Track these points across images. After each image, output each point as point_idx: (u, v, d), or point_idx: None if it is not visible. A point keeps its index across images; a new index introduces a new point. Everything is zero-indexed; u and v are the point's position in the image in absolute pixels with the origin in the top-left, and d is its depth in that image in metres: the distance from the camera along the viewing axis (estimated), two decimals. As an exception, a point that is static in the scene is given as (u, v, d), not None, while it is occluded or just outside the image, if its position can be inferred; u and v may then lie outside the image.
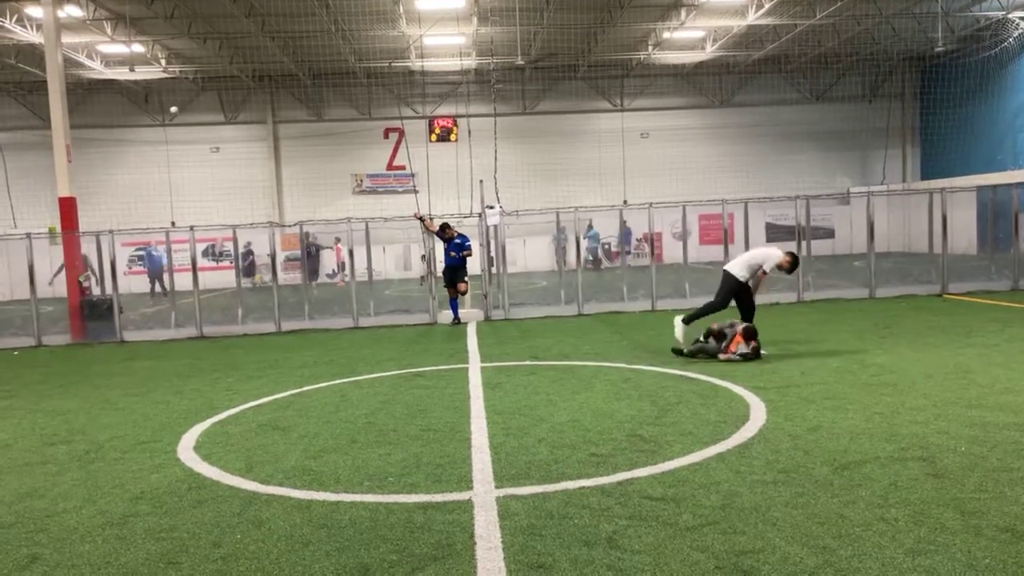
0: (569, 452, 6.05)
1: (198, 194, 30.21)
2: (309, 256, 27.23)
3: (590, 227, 29.71)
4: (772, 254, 10.33)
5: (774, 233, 29.51)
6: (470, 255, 15.28)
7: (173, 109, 30.13)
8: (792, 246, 17.60)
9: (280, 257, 21.66)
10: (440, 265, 16.95)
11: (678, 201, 19.87)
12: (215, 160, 30.87)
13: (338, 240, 27.44)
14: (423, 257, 17.90)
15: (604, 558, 4.16)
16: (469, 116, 26.95)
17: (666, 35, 25.72)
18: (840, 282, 18.16)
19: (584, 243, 29.22)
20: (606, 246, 29.94)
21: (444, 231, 15.12)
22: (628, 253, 29.52)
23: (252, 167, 31.03)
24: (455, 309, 15.32)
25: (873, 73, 32.21)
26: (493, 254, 16.43)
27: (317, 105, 31.19)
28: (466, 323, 15.10)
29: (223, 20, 22.74)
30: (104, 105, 29.93)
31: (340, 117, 31.19)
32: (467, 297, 16.14)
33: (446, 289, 15.29)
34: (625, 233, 29.79)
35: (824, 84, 32.44)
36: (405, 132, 28.05)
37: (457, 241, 15.08)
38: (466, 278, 15.35)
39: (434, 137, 30.04)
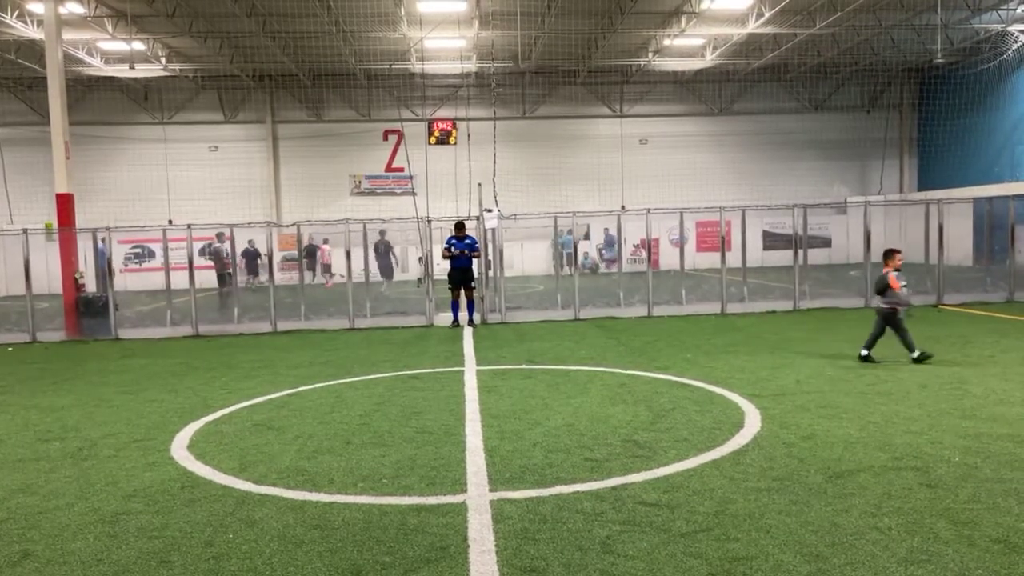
0: (564, 456, 6.05)
1: (196, 193, 30.17)
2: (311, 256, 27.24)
3: (587, 235, 29.84)
4: None
5: (771, 241, 29.61)
6: (478, 256, 15.39)
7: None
8: (788, 255, 17.71)
9: (276, 257, 21.61)
10: (437, 267, 16.96)
11: (676, 208, 19.90)
12: (213, 159, 30.83)
13: (326, 241, 27.41)
14: (420, 259, 17.89)
15: (597, 563, 4.16)
16: (469, 119, 26.94)
17: (666, 42, 25.76)
18: (836, 291, 18.20)
19: (583, 248, 29.33)
20: (602, 252, 30.02)
21: (458, 230, 15.17)
22: (613, 261, 29.63)
23: (251, 167, 30.99)
24: (455, 311, 15.31)
25: (872, 83, 32.31)
26: (491, 257, 16.45)
27: (317, 106, 31.18)
28: (463, 326, 15.10)
29: (224, 19, 22.73)
30: (103, 102, 29.86)
31: (339, 118, 31.17)
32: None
33: (450, 291, 15.27)
34: (609, 240, 29.93)
35: (823, 93, 32.53)
36: (404, 134, 28.05)
37: (467, 241, 15.13)
38: (473, 283, 15.37)
39: (433, 140, 30.02)
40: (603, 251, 30.25)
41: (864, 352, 9.73)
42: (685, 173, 31.71)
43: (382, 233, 25.12)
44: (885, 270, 9.79)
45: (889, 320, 9.61)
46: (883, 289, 9.71)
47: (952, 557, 4.09)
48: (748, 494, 5.09)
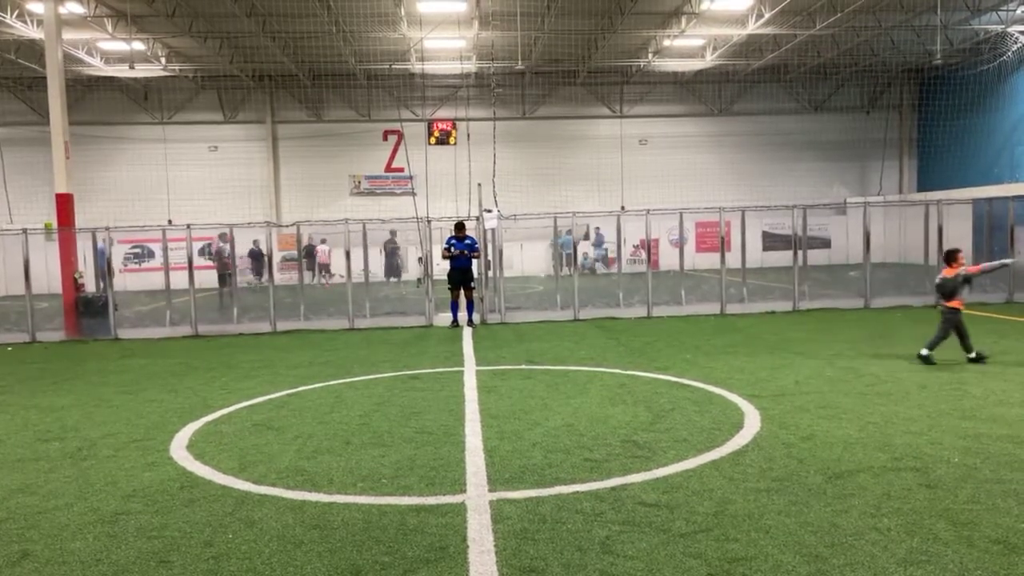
0: (563, 457, 6.05)
1: (196, 193, 30.16)
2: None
3: (586, 236, 29.83)
4: None
5: (771, 242, 29.61)
6: (478, 256, 15.40)
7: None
8: (788, 256, 17.72)
9: (276, 257, 21.63)
10: (436, 267, 16.97)
11: (675, 208, 19.90)
12: (213, 159, 30.82)
13: (323, 241, 27.42)
14: (420, 259, 17.90)
15: (597, 563, 4.16)
16: (468, 120, 26.95)
17: (666, 43, 25.76)
18: (835, 292, 18.20)
19: (582, 249, 29.31)
20: (604, 251, 30.01)
21: (458, 230, 15.17)
22: (600, 260, 29.58)
23: (250, 167, 30.97)
24: (455, 311, 15.32)
25: (872, 84, 32.30)
26: (490, 258, 16.45)
27: (316, 106, 31.18)
28: (462, 326, 15.10)
29: (224, 19, 22.73)
30: (103, 102, 29.86)
31: (339, 118, 31.16)
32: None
33: (450, 291, 15.27)
34: (599, 239, 29.88)
35: (823, 94, 32.53)
36: (404, 134, 28.04)
37: (467, 242, 15.14)
38: (473, 283, 15.38)
39: (433, 140, 30.03)
40: (595, 250, 30.18)
41: (973, 355, 9.54)
42: (685, 174, 31.71)
43: (392, 233, 25.19)
44: (950, 273, 9.63)
45: (951, 320, 9.57)
46: (952, 292, 9.59)
47: (951, 558, 4.09)
48: (747, 495, 5.09)
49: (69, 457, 6.60)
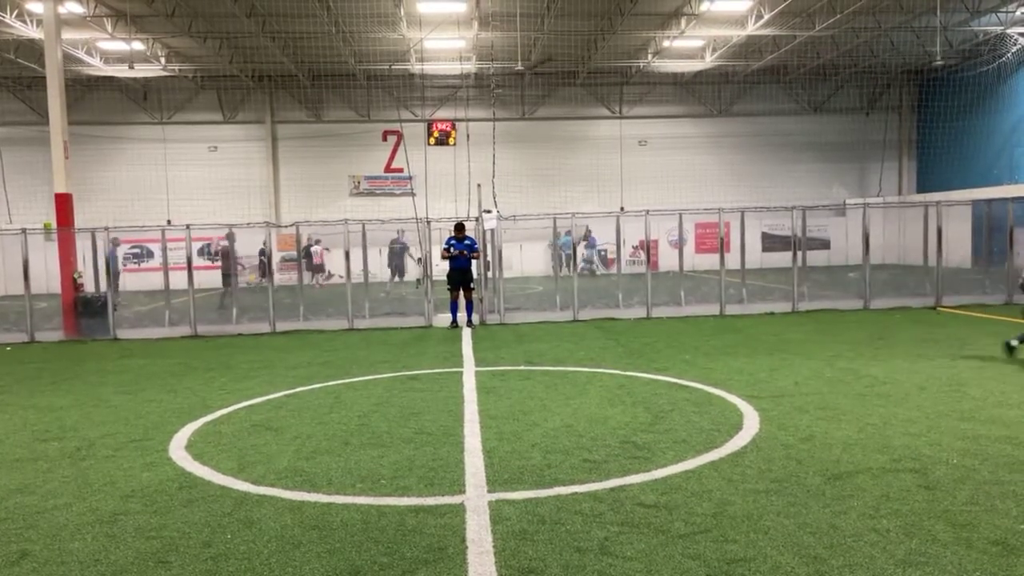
0: (562, 457, 6.05)
1: (195, 193, 30.15)
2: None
3: (585, 236, 29.79)
4: None
5: (770, 243, 29.62)
6: (477, 257, 15.41)
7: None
8: (787, 257, 17.72)
9: (276, 257, 21.62)
10: (435, 268, 16.96)
11: (675, 209, 19.90)
12: (213, 159, 30.81)
13: (318, 241, 27.40)
14: (419, 260, 17.90)
15: (595, 564, 4.16)
16: (468, 120, 26.94)
17: (666, 44, 25.77)
18: (835, 293, 18.21)
19: (581, 249, 29.27)
20: (602, 252, 29.97)
21: (458, 231, 15.17)
22: (591, 262, 29.54)
23: (250, 167, 30.97)
24: (454, 312, 15.32)
25: (871, 86, 32.32)
26: (490, 258, 16.46)
27: (316, 106, 31.17)
28: (461, 327, 15.10)
29: (224, 19, 22.73)
30: (103, 102, 29.85)
31: (339, 119, 31.16)
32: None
33: (449, 292, 15.27)
34: (592, 241, 29.83)
35: (822, 96, 32.55)
36: (404, 135, 28.05)
37: (467, 242, 15.13)
38: (472, 284, 15.38)
39: (433, 140, 29.99)
40: (587, 251, 30.11)
41: (1014, 343, 9.58)
42: (684, 174, 31.71)
43: (400, 232, 25.27)
44: None
45: None
46: None
47: (950, 559, 4.09)
48: (746, 496, 5.09)
49: (68, 457, 6.59)
